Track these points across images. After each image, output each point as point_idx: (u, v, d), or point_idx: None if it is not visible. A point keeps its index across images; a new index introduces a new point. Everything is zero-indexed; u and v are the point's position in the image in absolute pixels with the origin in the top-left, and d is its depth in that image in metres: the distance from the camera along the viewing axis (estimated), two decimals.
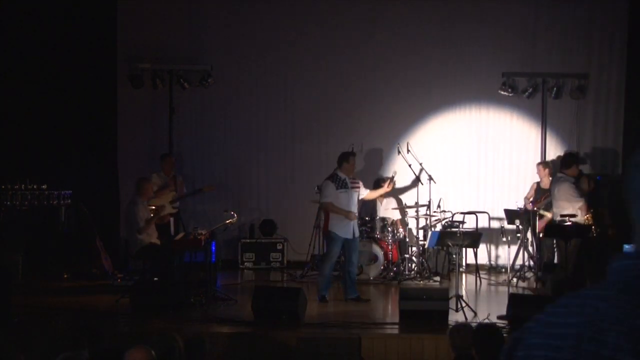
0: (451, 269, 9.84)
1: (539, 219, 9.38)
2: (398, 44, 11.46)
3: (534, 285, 9.28)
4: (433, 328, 6.98)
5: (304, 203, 11.16)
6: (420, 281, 9.87)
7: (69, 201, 9.84)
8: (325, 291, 8.57)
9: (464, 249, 9.61)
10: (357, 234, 8.69)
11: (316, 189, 10.32)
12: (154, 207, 9.42)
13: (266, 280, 10.27)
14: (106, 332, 5.91)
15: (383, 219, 10.14)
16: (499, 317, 7.46)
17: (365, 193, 9.05)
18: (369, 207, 10.41)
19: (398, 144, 10.59)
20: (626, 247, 9.44)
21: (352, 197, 8.62)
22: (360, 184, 8.95)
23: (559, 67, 11.31)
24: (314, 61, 11.54)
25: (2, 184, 9.20)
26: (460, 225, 9.72)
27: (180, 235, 8.87)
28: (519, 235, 10.08)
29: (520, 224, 9.88)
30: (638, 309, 1.21)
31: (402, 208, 10.71)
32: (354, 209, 8.60)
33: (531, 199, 10.14)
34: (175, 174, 10.41)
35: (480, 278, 10.14)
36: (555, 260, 10.16)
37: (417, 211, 10.20)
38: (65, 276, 9.98)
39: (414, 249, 10.22)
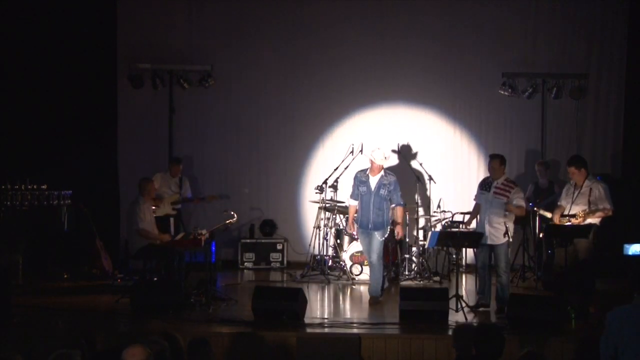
0: (451, 269, 9.84)
1: (539, 219, 9.36)
2: (398, 44, 11.44)
3: (534, 285, 9.27)
4: (433, 328, 6.99)
5: (304, 203, 11.15)
6: (420, 281, 9.87)
7: (69, 201, 9.84)
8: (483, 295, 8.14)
9: (464, 249, 9.61)
10: (496, 240, 7.94)
11: (316, 189, 10.33)
12: (154, 207, 9.43)
13: (266, 280, 10.27)
14: (100, 335, 5.91)
15: None
16: (499, 317, 7.46)
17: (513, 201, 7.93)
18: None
19: (398, 143, 10.59)
20: (626, 246, 9.47)
21: (489, 201, 7.98)
22: (512, 193, 7.92)
23: (558, 67, 11.32)
24: (314, 61, 11.53)
25: (2, 184, 9.20)
26: (460, 225, 9.72)
27: (180, 235, 8.87)
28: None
29: (520, 224, 9.85)
30: None
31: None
32: (488, 213, 7.95)
33: (529, 200, 10.11)
34: (182, 176, 10.45)
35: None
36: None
37: (417, 211, 10.18)
38: (65, 276, 9.98)
39: (414, 249, 10.22)
